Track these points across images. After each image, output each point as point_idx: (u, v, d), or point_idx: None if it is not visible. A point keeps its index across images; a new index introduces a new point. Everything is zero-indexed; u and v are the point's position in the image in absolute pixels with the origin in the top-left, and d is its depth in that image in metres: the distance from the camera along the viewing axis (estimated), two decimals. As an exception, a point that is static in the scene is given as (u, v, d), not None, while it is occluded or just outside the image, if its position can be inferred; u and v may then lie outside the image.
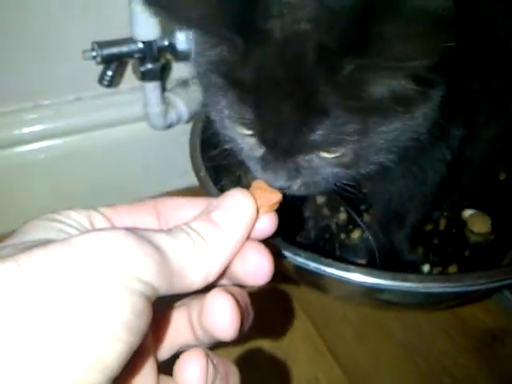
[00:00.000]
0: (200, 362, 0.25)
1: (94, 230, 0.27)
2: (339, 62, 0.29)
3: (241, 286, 0.30)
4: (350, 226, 0.60)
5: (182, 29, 0.36)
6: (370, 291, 0.47)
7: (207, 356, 0.26)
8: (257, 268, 0.28)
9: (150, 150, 0.80)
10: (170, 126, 0.75)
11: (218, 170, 0.55)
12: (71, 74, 0.71)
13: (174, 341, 0.30)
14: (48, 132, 0.74)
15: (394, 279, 0.41)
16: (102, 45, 0.64)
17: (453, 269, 0.55)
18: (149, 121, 0.73)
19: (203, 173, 0.50)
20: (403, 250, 0.53)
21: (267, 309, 0.65)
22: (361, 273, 0.41)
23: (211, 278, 0.26)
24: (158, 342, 0.30)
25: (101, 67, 0.68)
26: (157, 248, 0.24)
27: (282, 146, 0.33)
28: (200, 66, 0.37)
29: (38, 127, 0.73)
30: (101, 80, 0.67)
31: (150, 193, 0.84)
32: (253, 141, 0.35)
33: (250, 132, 0.35)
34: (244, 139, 0.36)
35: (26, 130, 0.73)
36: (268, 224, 0.30)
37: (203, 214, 0.28)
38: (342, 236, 0.60)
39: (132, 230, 0.24)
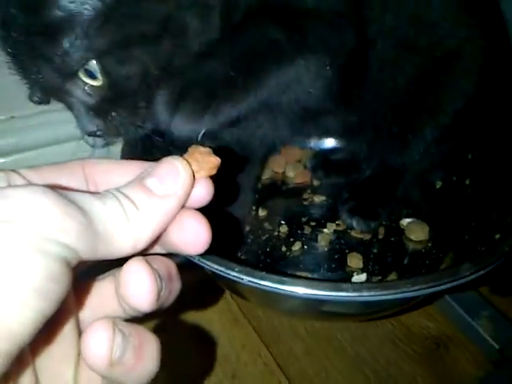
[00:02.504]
0: (104, 333, 0.24)
1: (8, 186, 0.25)
2: None
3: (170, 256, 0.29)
4: (291, 239, 0.60)
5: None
6: (311, 303, 0.47)
7: (114, 325, 0.24)
8: (194, 236, 0.27)
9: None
10: (107, 144, 0.73)
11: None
12: (2, 92, 0.69)
13: (98, 311, 0.29)
14: (-19, 153, 0.71)
15: (330, 289, 0.41)
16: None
17: (392, 277, 0.55)
18: (85, 139, 0.71)
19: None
20: None
21: (214, 325, 0.65)
22: (295, 284, 0.41)
23: (140, 246, 0.25)
24: (77, 308, 0.28)
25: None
26: (80, 209, 0.22)
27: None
28: None
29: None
30: (31, 96, 0.65)
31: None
32: None
33: None
34: None
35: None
36: (204, 191, 0.29)
37: (135, 180, 0.26)
38: (283, 249, 0.59)
39: (52, 188, 0.22)
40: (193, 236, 0.27)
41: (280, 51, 0.41)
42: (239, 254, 0.58)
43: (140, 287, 0.25)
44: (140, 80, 0.39)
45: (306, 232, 0.61)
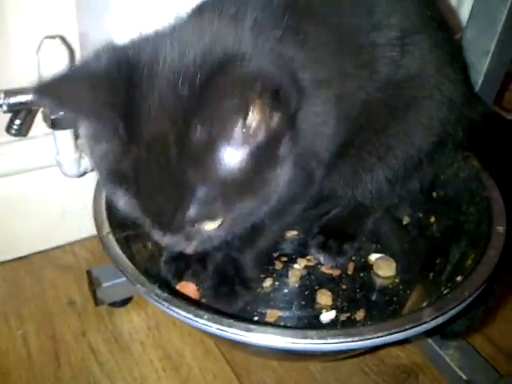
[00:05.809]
0: None
1: None
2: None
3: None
4: (262, 275, 0.60)
5: (77, 119, 0.43)
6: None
7: None
8: None
9: (65, 197, 0.78)
10: (84, 173, 0.73)
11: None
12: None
13: None
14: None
15: (295, 337, 0.42)
16: (8, 93, 0.62)
17: (360, 314, 0.56)
18: (61, 168, 0.71)
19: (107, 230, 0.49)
20: (247, 268, 0.55)
21: (186, 356, 0.65)
22: (262, 332, 0.42)
23: None
24: None
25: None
26: None
27: (167, 226, 0.40)
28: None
29: None
30: (8, 129, 0.65)
31: (67, 239, 0.81)
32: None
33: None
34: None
35: None
36: None
37: None
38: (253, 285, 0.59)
39: None
40: None
41: None
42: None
43: None
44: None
45: (277, 268, 0.61)
